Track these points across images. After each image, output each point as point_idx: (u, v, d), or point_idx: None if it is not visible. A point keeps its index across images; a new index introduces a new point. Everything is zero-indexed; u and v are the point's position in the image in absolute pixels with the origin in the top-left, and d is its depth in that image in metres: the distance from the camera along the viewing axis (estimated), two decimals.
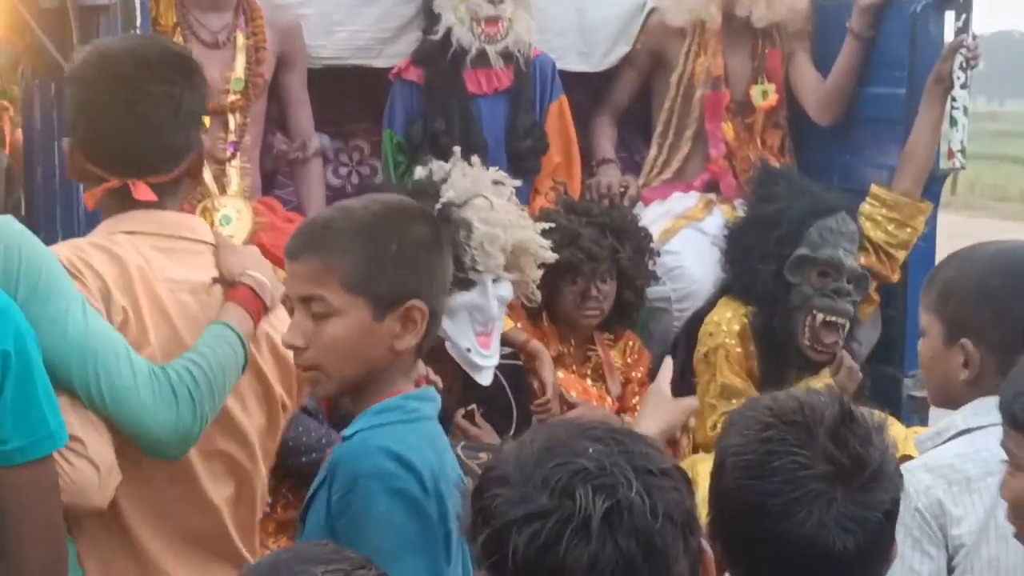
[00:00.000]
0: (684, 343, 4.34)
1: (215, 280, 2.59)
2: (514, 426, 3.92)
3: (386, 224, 2.30)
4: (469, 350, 3.80)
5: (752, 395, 4.08)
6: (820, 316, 4.14)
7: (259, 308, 2.59)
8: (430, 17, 4.43)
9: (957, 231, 6.36)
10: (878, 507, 1.82)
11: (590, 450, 1.55)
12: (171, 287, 2.53)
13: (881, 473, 1.83)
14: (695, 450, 4.05)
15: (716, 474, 1.89)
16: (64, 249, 2.49)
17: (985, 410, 2.42)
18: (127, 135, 2.55)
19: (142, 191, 2.55)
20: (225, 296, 2.58)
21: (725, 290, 4.32)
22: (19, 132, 4.92)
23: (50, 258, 2.37)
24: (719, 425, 4.00)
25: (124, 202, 2.57)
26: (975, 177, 24.08)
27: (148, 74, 2.54)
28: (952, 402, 2.56)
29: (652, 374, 4.28)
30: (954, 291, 2.58)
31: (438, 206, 3.74)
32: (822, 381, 4.06)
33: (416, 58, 4.47)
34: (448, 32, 4.37)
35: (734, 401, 4.09)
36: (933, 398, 2.66)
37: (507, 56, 4.45)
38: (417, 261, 2.30)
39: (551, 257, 3.98)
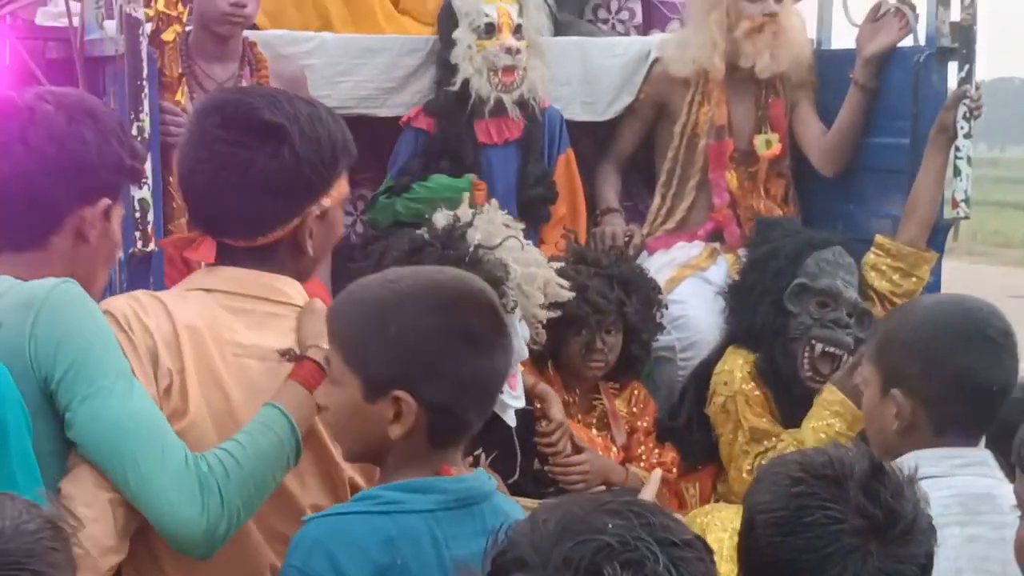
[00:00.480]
0: (691, 393, 4.33)
1: (282, 354, 2.46)
2: (518, 472, 3.91)
3: (395, 304, 2.20)
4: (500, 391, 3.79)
5: (779, 434, 4.09)
6: (819, 347, 4.14)
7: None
8: (446, 68, 4.45)
9: (959, 278, 6.38)
10: (913, 561, 1.82)
11: (610, 525, 1.51)
12: (236, 352, 2.43)
13: (915, 526, 1.83)
14: (726, 499, 4.05)
15: (745, 532, 1.87)
16: (122, 300, 2.45)
17: (926, 462, 2.41)
18: (196, 191, 2.51)
19: (203, 249, 2.49)
20: (290, 371, 2.45)
21: (730, 340, 4.32)
22: None
23: (97, 331, 2.32)
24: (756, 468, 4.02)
25: (225, 256, 2.51)
26: (977, 223, 24.07)
27: (223, 134, 2.47)
28: (889, 453, 2.54)
29: (657, 424, 4.29)
30: (890, 342, 2.61)
31: (470, 249, 3.71)
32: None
33: (430, 108, 4.49)
34: (466, 83, 4.38)
35: (765, 443, 4.10)
36: (875, 449, 2.65)
37: (522, 105, 4.47)
38: (415, 349, 2.17)
39: (567, 296, 3.95)
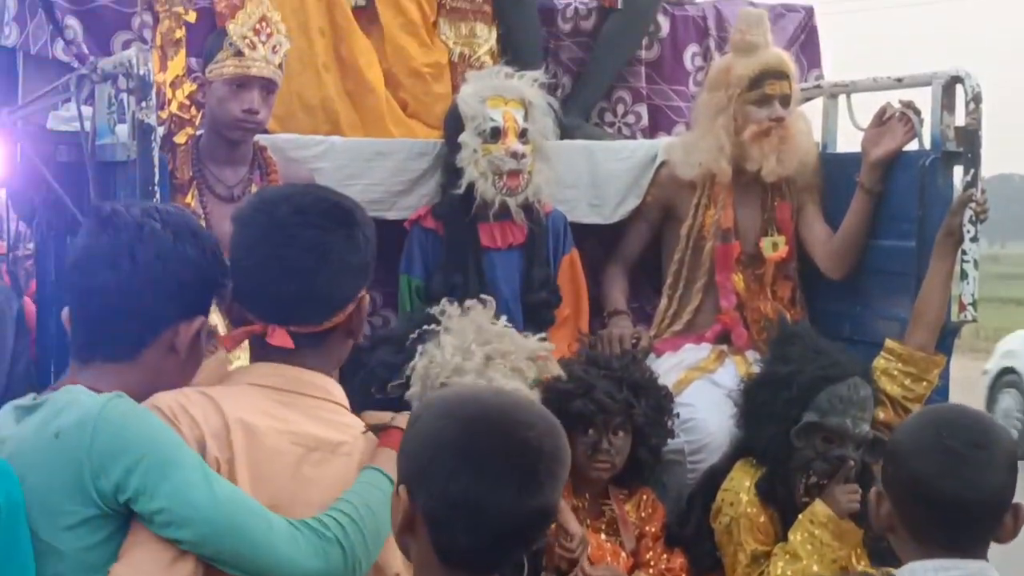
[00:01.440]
0: (700, 503, 4.29)
1: (367, 427, 2.56)
2: None
3: (429, 405, 2.19)
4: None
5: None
6: (815, 478, 4.10)
7: None
8: (451, 171, 4.48)
9: (962, 375, 6.34)
10: None
11: None
12: (292, 440, 2.51)
13: None
14: None
15: None
16: (170, 395, 2.50)
17: (919, 573, 2.43)
18: (271, 278, 2.55)
19: (279, 337, 2.54)
20: (378, 442, 2.57)
21: (739, 448, 4.29)
22: (33, 283, 4.94)
23: (156, 434, 2.39)
24: None
25: (264, 348, 2.57)
26: (979, 320, 24.06)
27: (300, 219, 2.55)
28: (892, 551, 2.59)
29: (666, 528, 4.26)
30: (886, 443, 2.69)
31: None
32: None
33: (437, 211, 4.52)
34: (471, 186, 4.41)
35: (763, 562, 4.08)
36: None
37: (527, 208, 4.50)
38: (420, 449, 2.13)
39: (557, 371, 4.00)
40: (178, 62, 3.91)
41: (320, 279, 2.54)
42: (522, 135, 4.46)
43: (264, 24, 4.14)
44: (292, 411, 2.54)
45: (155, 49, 3.89)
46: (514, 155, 4.41)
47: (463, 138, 4.44)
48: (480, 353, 3.89)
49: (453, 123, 4.50)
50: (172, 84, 3.90)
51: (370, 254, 2.63)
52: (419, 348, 3.89)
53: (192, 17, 3.91)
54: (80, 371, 2.55)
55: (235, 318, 2.64)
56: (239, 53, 4.09)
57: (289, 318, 2.55)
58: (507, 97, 4.48)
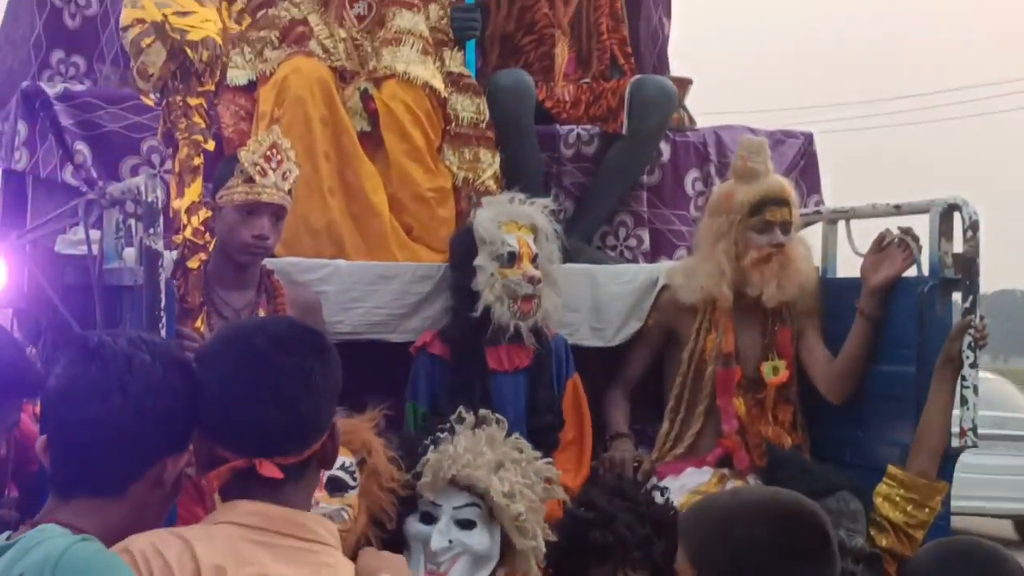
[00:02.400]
0: None
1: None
2: None
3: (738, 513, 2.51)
4: None
5: None
6: None
7: None
8: (465, 295, 4.52)
9: None
10: None
11: None
12: None
13: None
14: None
15: None
16: (143, 538, 2.42)
17: None
18: (255, 410, 2.48)
19: (268, 468, 2.47)
20: None
21: None
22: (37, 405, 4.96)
23: None
24: None
25: (247, 485, 2.49)
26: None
27: (279, 348, 2.50)
28: None
29: None
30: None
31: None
32: None
33: (447, 334, 4.56)
34: (486, 310, 4.46)
35: None
36: None
37: (536, 333, 4.55)
38: (748, 556, 2.46)
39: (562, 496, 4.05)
40: (195, 189, 3.93)
41: (303, 407, 2.49)
42: (534, 260, 4.53)
43: (275, 151, 4.20)
44: (269, 551, 2.46)
45: (173, 175, 3.92)
46: (531, 280, 4.48)
47: (480, 262, 4.50)
48: (491, 455, 3.92)
49: (465, 247, 4.56)
50: (188, 210, 3.93)
51: (340, 379, 2.58)
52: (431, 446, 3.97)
53: (211, 146, 3.97)
54: (60, 507, 2.45)
55: (200, 457, 2.54)
56: (250, 180, 4.15)
57: (273, 449, 2.48)
58: (520, 223, 4.56)
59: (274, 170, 4.18)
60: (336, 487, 3.87)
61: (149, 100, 3.97)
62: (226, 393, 2.50)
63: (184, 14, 3.78)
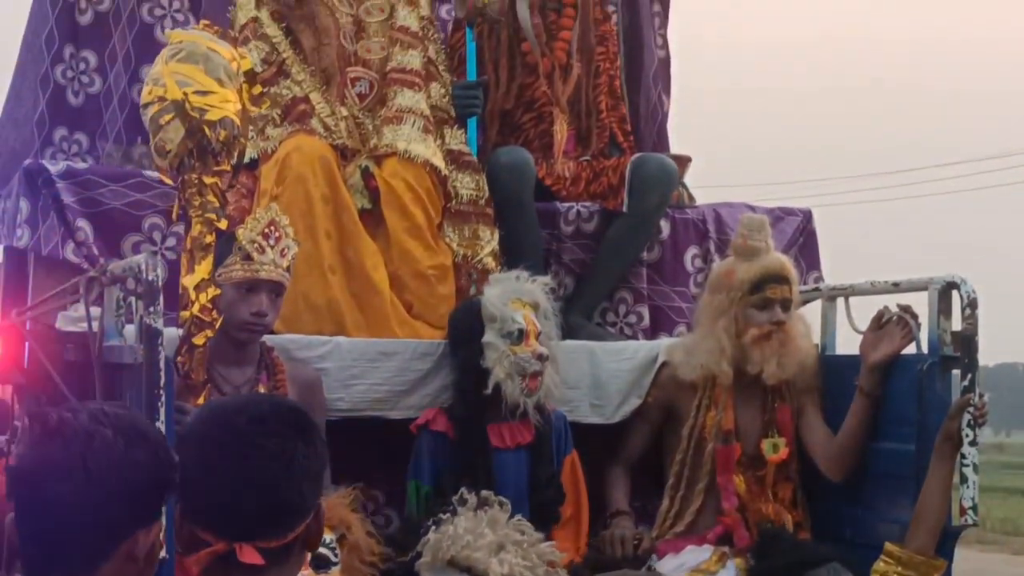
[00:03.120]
0: None
1: None
2: None
3: None
4: None
5: None
6: None
7: None
8: (471, 372, 4.54)
9: (970, 567, 6.30)
10: None
11: None
12: None
13: None
14: None
15: None
16: None
17: None
18: (235, 492, 2.44)
19: (248, 554, 2.42)
20: None
21: None
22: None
23: None
24: None
25: (228, 569, 2.44)
26: (984, 511, 23.70)
27: (261, 428, 2.46)
28: None
29: None
30: None
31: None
32: None
33: (455, 412, 4.57)
34: (496, 387, 4.48)
35: None
36: None
37: (539, 409, 4.57)
38: None
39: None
40: (205, 266, 3.94)
41: (285, 490, 2.45)
42: (538, 337, 4.55)
43: (273, 228, 4.23)
44: None
45: (184, 252, 3.94)
46: (540, 357, 4.51)
47: (489, 339, 4.52)
48: (492, 537, 3.92)
49: (469, 324, 4.58)
50: (197, 287, 3.95)
51: (326, 459, 2.54)
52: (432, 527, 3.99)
53: (224, 224, 3.99)
54: None
55: (182, 538, 2.51)
56: (248, 257, 4.19)
57: (254, 533, 2.44)
58: (524, 300, 4.59)
59: (272, 247, 4.21)
60: (320, 564, 3.87)
61: (166, 177, 4.01)
62: (206, 476, 2.47)
63: (204, 93, 3.81)
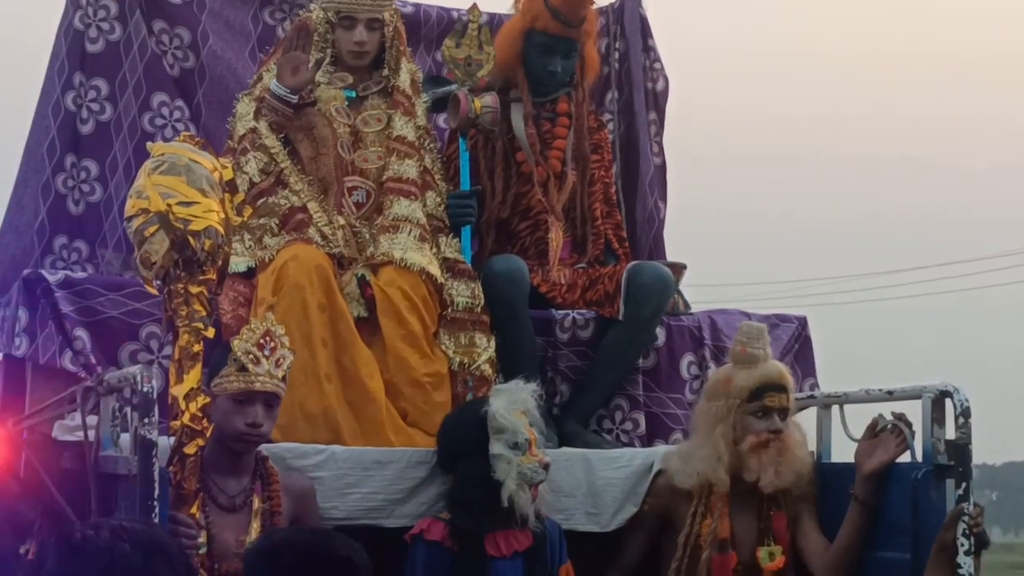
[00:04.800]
0: None
1: None
2: None
3: None
4: None
5: None
6: None
7: None
8: (478, 484, 4.54)
9: None
10: None
11: None
12: None
13: None
14: None
15: None
16: None
17: None
18: None
19: None
20: None
21: None
22: None
23: None
24: None
25: None
26: None
27: (303, 569, 2.56)
28: None
29: None
30: None
31: None
32: None
33: (460, 525, 4.55)
34: (510, 499, 4.49)
35: None
36: None
37: (523, 521, 4.54)
38: None
39: None
40: (193, 375, 3.97)
41: None
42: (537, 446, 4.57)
43: (268, 339, 4.26)
44: None
45: (172, 362, 3.96)
46: (546, 467, 4.53)
47: (499, 451, 4.52)
48: None
49: (475, 435, 4.57)
50: (187, 396, 3.97)
51: None
52: None
53: (211, 333, 4.02)
54: None
55: None
56: (243, 368, 4.21)
57: None
58: (521, 409, 4.60)
59: (267, 358, 4.23)
60: None
61: (152, 288, 4.04)
62: None
63: (187, 204, 3.86)
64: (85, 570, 2.48)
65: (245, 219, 4.39)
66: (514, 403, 4.59)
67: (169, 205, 3.83)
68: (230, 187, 4.01)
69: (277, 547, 2.64)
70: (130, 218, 3.91)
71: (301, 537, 2.79)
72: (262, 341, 4.25)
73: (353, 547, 2.73)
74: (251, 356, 4.21)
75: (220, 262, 3.97)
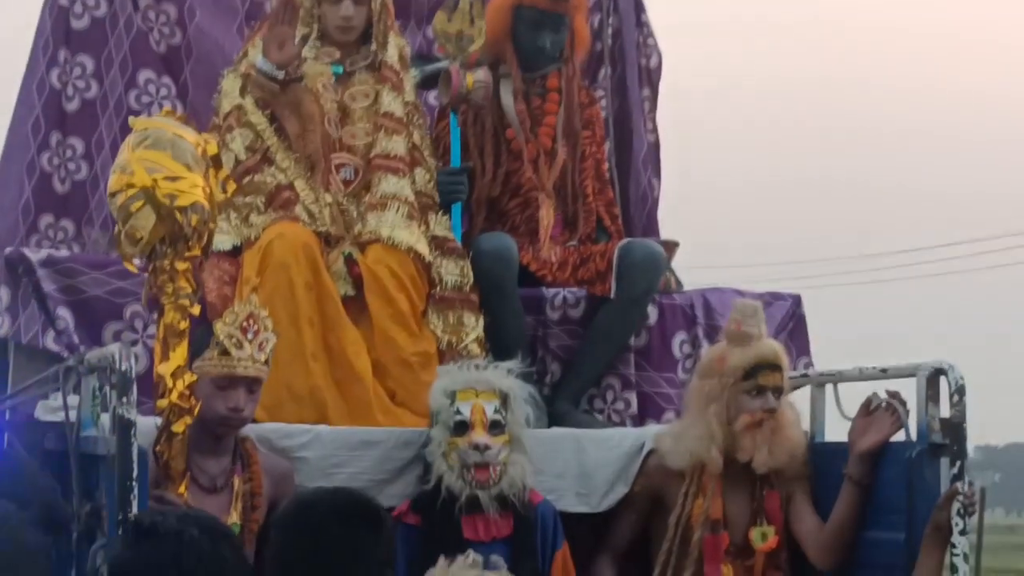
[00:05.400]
0: None
1: None
2: None
3: None
4: None
5: None
6: None
7: None
8: (425, 465, 4.50)
9: None
10: None
11: None
12: None
13: None
14: None
15: None
16: None
17: None
18: None
19: None
20: None
21: None
22: None
23: None
24: None
25: None
26: None
27: (334, 519, 2.60)
28: None
29: None
30: None
31: None
32: None
33: (415, 505, 4.51)
34: (440, 479, 4.42)
35: None
36: None
37: (502, 501, 4.47)
38: None
39: None
40: (180, 353, 3.94)
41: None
42: (493, 427, 4.47)
43: (251, 322, 4.21)
44: None
45: (157, 340, 3.93)
46: (477, 447, 4.42)
47: (432, 432, 4.48)
48: None
49: (431, 417, 4.53)
50: (173, 374, 3.93)
51: (393, 549, 2.85)
52: None
53: (197, 310, 3.98)
54: None
55: None
56: (225, 352, 4.17)
57: None
58: (479, 389, 4.51)
59: (250, 341, 4.20)
60: None
61: (131, 266, 4.00)
62: (283, 559, 2.81)
63: (173, 179, 3.82)
64: (156, 554, 2.59)
65: (229, 195, 4.34)
66: (458, 383, 4.51)
67: (155, 180, 3.80)
68: (214, 162, 3.96)
69: (304, 506, 2.72)
70: (114, 193, 3.87)
71: (327, 493, 2.96)
72: (245, 324, 4.20)
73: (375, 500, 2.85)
74: (234, 340, 4.17)
75: (206, 238, 3.93)
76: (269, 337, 4.23)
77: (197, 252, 3.92)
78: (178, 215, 3.80)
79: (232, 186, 4.48)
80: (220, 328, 4.18)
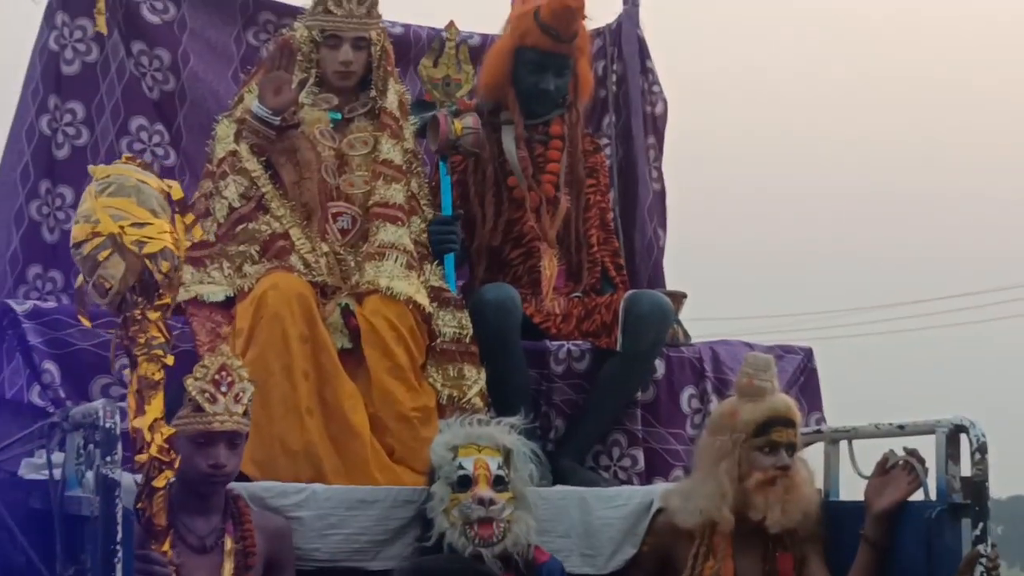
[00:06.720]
0: None
1: None
2: None
3: None
4: None
5: None
6: None
7: None
8: (424, 523, 4.35)
9: None
10: None
11: None
12: None
13: None
14: None
15: None
16: None
17: None
18: None
19: None
20: None
21: None
22: None
23: None
24: None
25: None
26: None
27: None
28: None
29: None
30: None
31: None
32: None
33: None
34: (441, 537, 4.27)
35: None
36: None
37: (506, 560, 4.32)
38: None
39: None
40: (156, 405, 3.82)
41: None
42: (497, 483, 4.33)
43: (224, 374, 4.09)
44: None
45: (131, 393, 3.79)
46: (481, 502, 4.28)
47: (434, 488, 4.34)
48: None
49: (430, 473, 4.40)
50: (151, 428, 3.79)
51: None
52: None
53: (171, 360, 3.84)
54: None
55: None
56: (199, 408, 4.03)
57: None
58: (481, 445, 4.38)
59: (224, 394, 4.07)
60: None
61: (86, 320, 3.94)
62: None
63: (140, 225, 3.73)
64: None
65: (197, 239, 4.26)
66: (460, 438, 4.38)
67: (122, 227, 3.71)
68: (180, 207, 3.86)
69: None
70: (79, 244, 3.77)
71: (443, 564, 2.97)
72: (217, 377, 4.07)
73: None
74: (207, 395, 4.04)
75: (177, 286, 3.84)
76: (245, 387, 4.09)
77: (167, 300, 3.81)
78: (148, 263, 3.70)
79: (199, 231, 4.40)
80: (191, 384, 4.05)
